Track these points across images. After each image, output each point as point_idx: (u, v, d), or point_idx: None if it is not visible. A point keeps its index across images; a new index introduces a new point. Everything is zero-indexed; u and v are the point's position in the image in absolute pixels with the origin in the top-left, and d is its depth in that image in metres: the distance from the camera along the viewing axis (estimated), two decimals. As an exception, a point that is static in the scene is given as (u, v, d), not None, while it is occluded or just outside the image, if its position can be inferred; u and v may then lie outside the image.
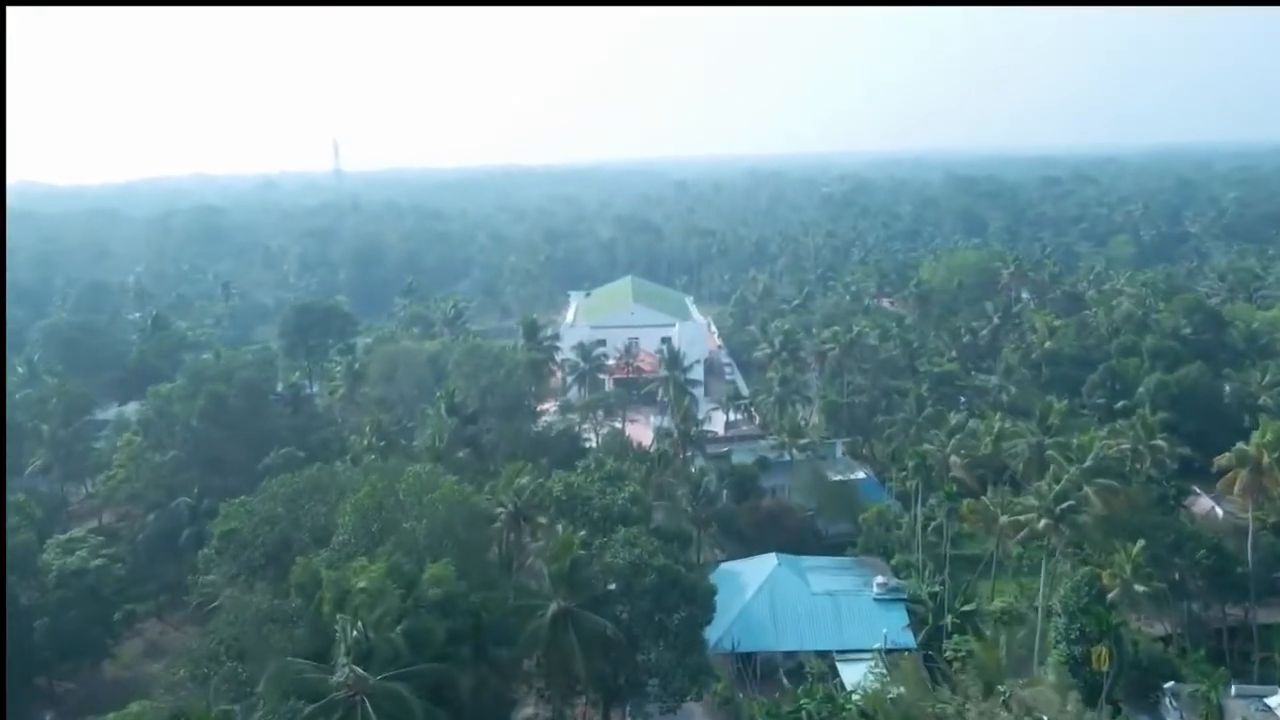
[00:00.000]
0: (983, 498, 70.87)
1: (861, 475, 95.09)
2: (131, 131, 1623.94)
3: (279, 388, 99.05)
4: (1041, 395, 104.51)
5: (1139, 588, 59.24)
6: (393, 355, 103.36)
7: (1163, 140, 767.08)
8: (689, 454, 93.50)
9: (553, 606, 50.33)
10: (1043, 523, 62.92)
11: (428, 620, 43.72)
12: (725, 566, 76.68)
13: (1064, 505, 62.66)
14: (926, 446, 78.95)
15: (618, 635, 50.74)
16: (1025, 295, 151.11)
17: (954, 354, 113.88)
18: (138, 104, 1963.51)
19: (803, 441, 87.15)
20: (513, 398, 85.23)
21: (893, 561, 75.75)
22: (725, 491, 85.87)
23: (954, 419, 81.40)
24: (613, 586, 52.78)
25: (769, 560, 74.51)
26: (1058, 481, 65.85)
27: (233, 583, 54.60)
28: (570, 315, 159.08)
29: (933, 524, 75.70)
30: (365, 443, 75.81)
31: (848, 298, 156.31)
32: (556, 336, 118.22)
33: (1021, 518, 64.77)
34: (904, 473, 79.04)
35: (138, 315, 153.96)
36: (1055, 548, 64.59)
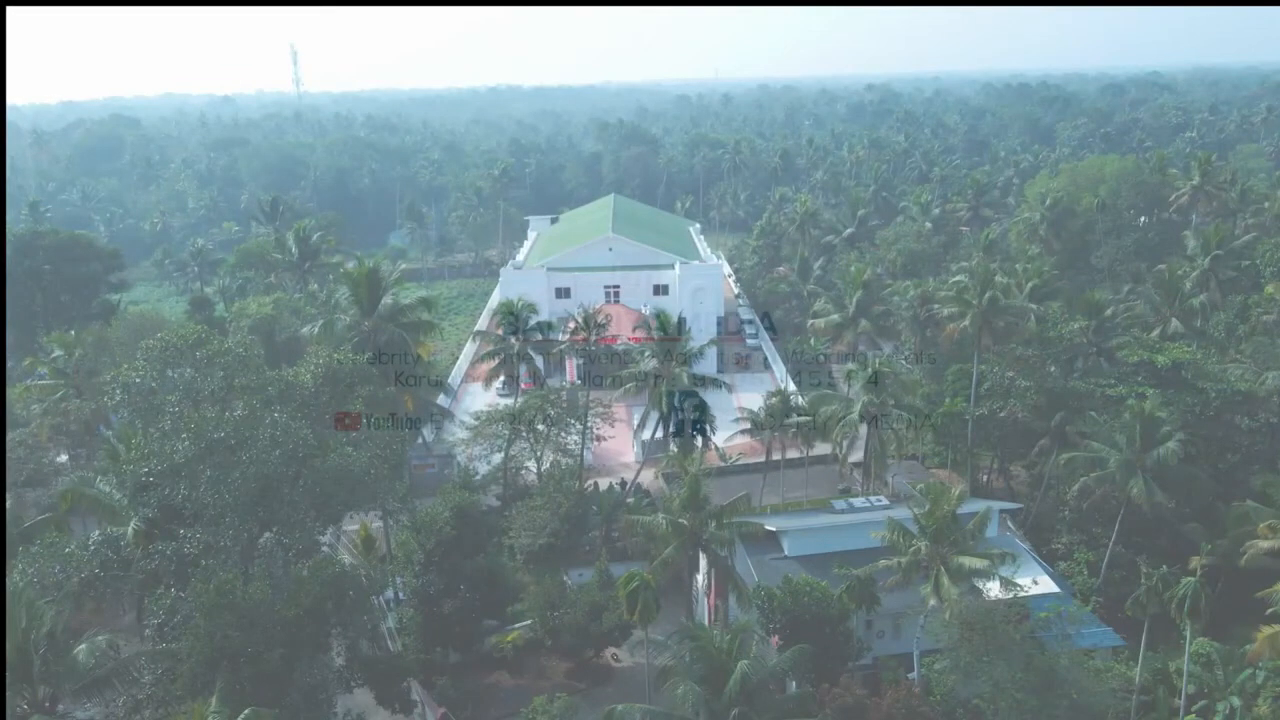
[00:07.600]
0: None
1: (1046, 583, 47.31)
2: (113, 51, 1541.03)
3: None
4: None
5: None
6: (149, 337, 54.25)
7: (1188, 61, 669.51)
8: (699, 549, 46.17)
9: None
10: None
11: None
12: None
13: None
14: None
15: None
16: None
17: (1176, 325, 64.52)
18: (121, 21, 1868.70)
19: (991, 590, 37.41)
20: (259, 479, 35.96)
21: None
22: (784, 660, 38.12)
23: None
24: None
25: None
26: None
27: None
28: (523, 252, 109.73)
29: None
30: None
31: (928, 224, 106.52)
32: (404, 311, 58.93)
33: None
34: None
35: None
36: None
